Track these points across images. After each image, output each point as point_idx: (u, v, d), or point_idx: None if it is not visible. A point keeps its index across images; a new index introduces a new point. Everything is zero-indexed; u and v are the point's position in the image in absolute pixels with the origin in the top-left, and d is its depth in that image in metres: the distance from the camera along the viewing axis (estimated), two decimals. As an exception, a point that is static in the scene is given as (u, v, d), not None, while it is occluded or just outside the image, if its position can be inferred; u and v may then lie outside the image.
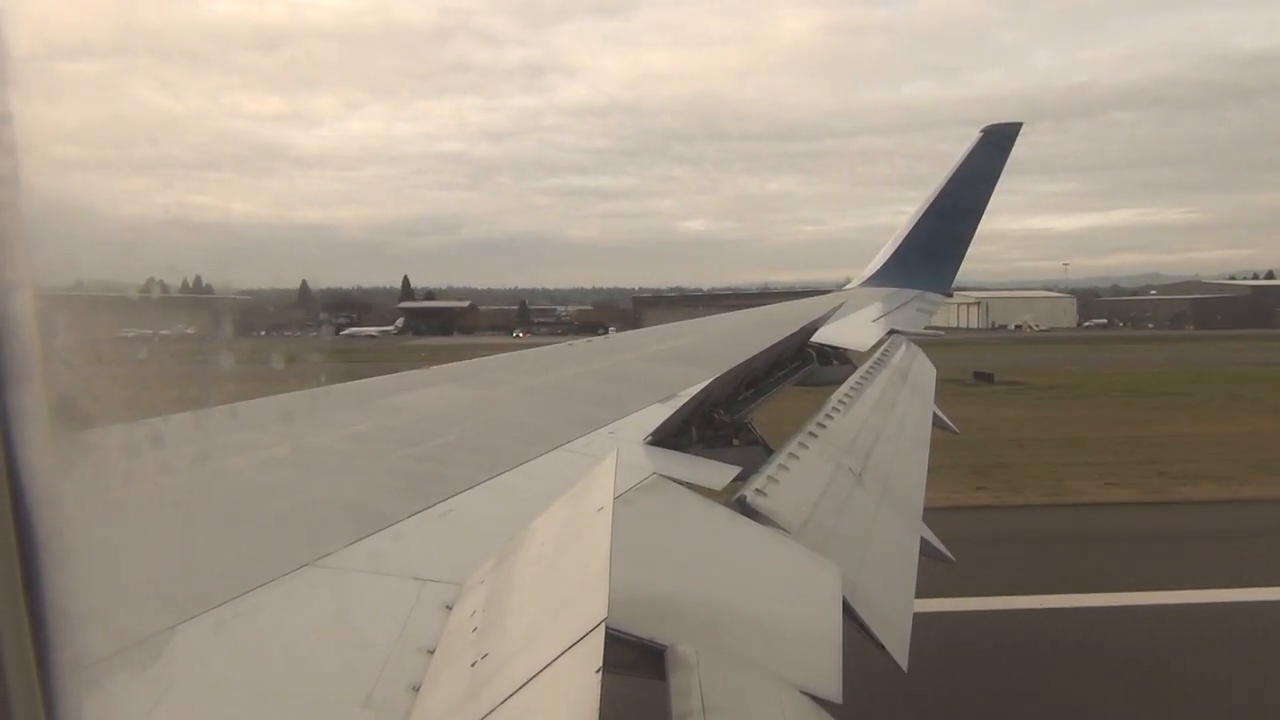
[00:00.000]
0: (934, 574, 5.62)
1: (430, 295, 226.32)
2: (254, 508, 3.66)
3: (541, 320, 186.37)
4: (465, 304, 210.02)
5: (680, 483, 4.44)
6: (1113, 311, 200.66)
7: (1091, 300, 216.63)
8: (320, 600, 2.86)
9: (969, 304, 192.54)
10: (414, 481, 4.18)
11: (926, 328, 17.81)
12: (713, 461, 5.39)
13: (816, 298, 22.48)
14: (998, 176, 22.07)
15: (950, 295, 21.88)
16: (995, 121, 22.32)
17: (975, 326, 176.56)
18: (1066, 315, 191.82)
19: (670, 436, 5.59)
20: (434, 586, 2.97)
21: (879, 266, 22.38)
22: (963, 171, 21.86)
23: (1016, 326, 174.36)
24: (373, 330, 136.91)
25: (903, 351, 12.76)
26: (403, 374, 7.52)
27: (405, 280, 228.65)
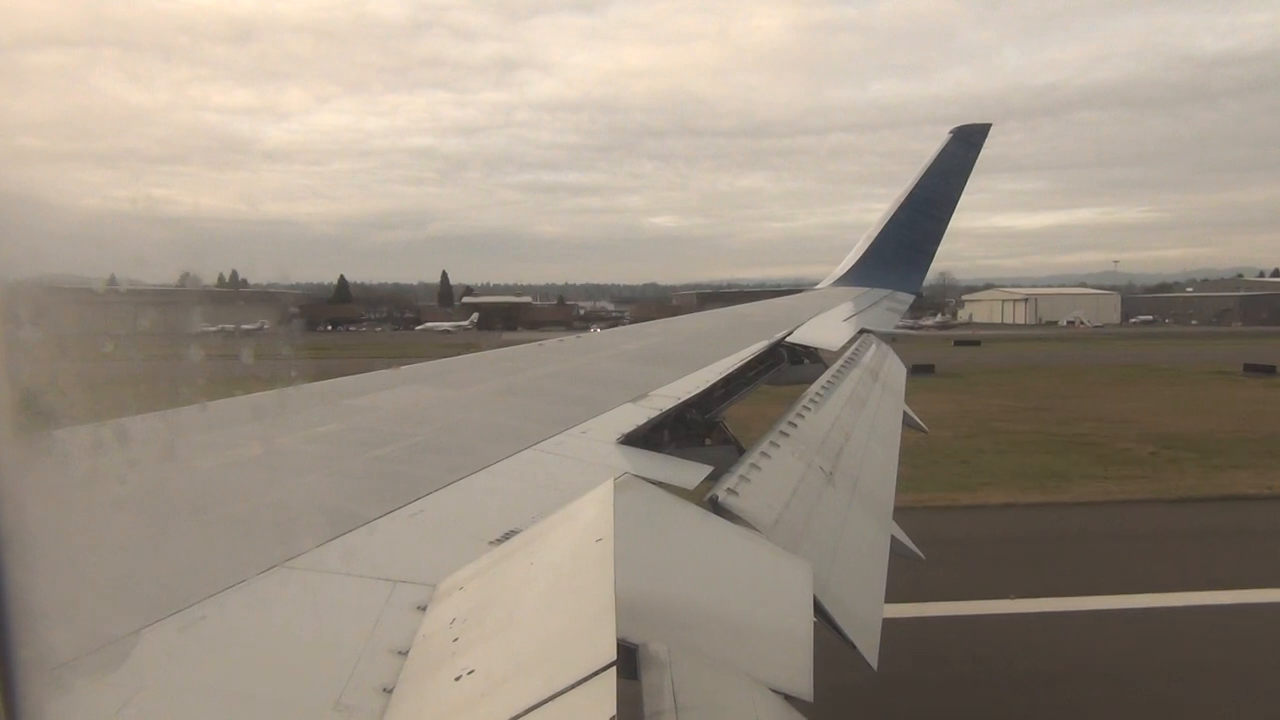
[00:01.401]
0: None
1: (469, 290, 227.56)
2: (223, 508, 3.63)
3: (588, 315, 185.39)
4: (525, 299, 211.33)
5: (652, 482, 4.44)
6: (1153, 308, 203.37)
7: (1132, 297, 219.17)
8: (290, 601, 2.84)
9: (1015, 300, 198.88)
10: (384, 482, 4.15)
11: (896, 327, 17.94)
12: (685, 461, 5.40)
13: (787, 298, 22.57)
14: (967, 177, 22.27)
15: (921, 294, 22.07)
16: (963, 120, 22.60)
17: (1023, 323, 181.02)
18: (1113, 311, 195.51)
19: (643, 437, 5.60)
20: (405, 587, 2.96)
21: (849, 266, 22.50)
22: (932, 172, 22.04)
23: (1069, 323, 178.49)
24: (448, 325, 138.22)
25: (873, 351, 12.85)
26: (372, 374, 7.46)
27: (444, 276, 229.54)
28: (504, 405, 6.63)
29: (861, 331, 14.22)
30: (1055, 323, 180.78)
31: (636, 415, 6.01)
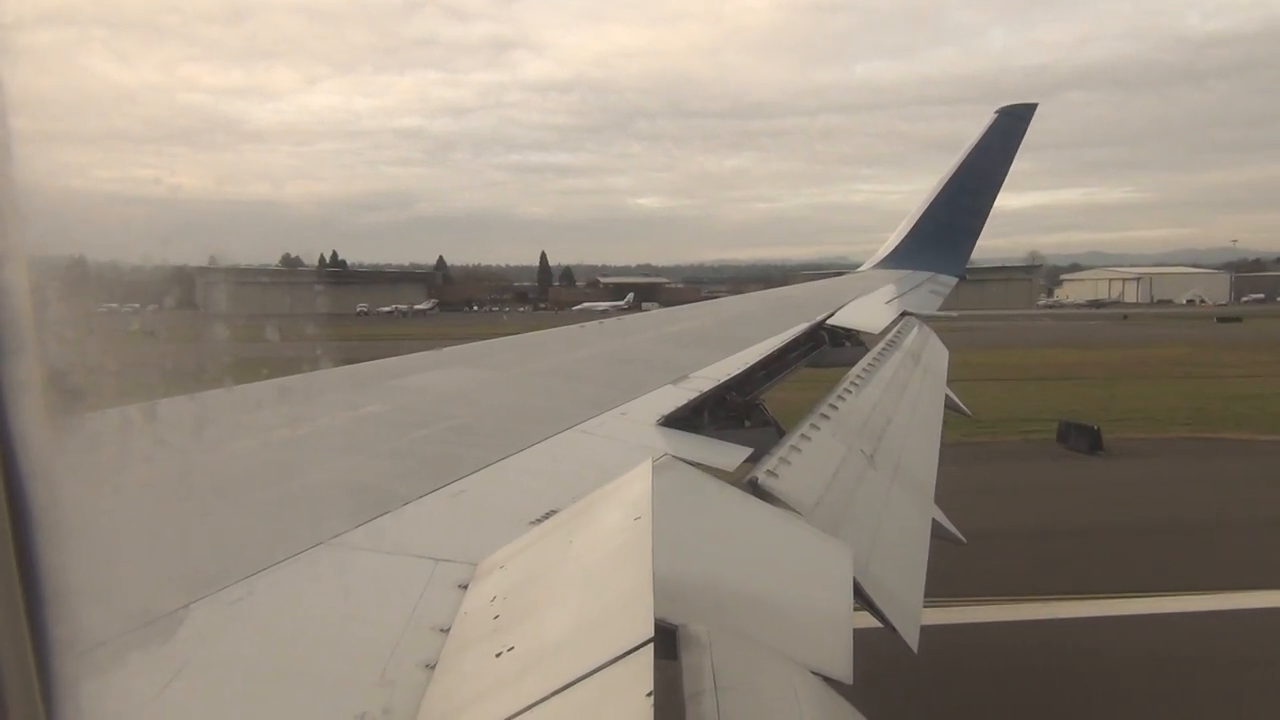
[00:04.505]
0: None
1: (568, 272, 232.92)
2: (268, 487, 3.68)
3: (709, 295, 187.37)
4: (662, 280, 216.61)
5: (692, 464, 4.44)
6: (1257, 286, 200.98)
7: (1240, 276, 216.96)
8: (334, 579, 2.88)
9: (1127, 279, 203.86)
10: (426, 462, 4.19)
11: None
12: (724, 443, 5.39)
13: (828, 280, 22.39)
14: (1012, 157, 21.88)
15: (964, 277, 21.74)
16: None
17: (1135, 301, 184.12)
18: (1224, 290, 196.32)
19: (682, 418, 5.60)
20: (447, 566, 2.98)
21: (891, 248, 22.26)
22: (976, 153, 21.68)
23: (1188, 301, 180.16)
24: (605, 305, 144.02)
25: (915, 334, 12.72)
26: (414, 355, 7.53)
27: (543, 257, 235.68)
28: (545, 387, 6.66)
29: (903, 314, 14.07)
30: (1170, 301, 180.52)
31: (676, 397, 6.01)
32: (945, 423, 8.58)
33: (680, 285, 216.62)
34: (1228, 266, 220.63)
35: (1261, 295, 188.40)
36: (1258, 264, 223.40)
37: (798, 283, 29.41)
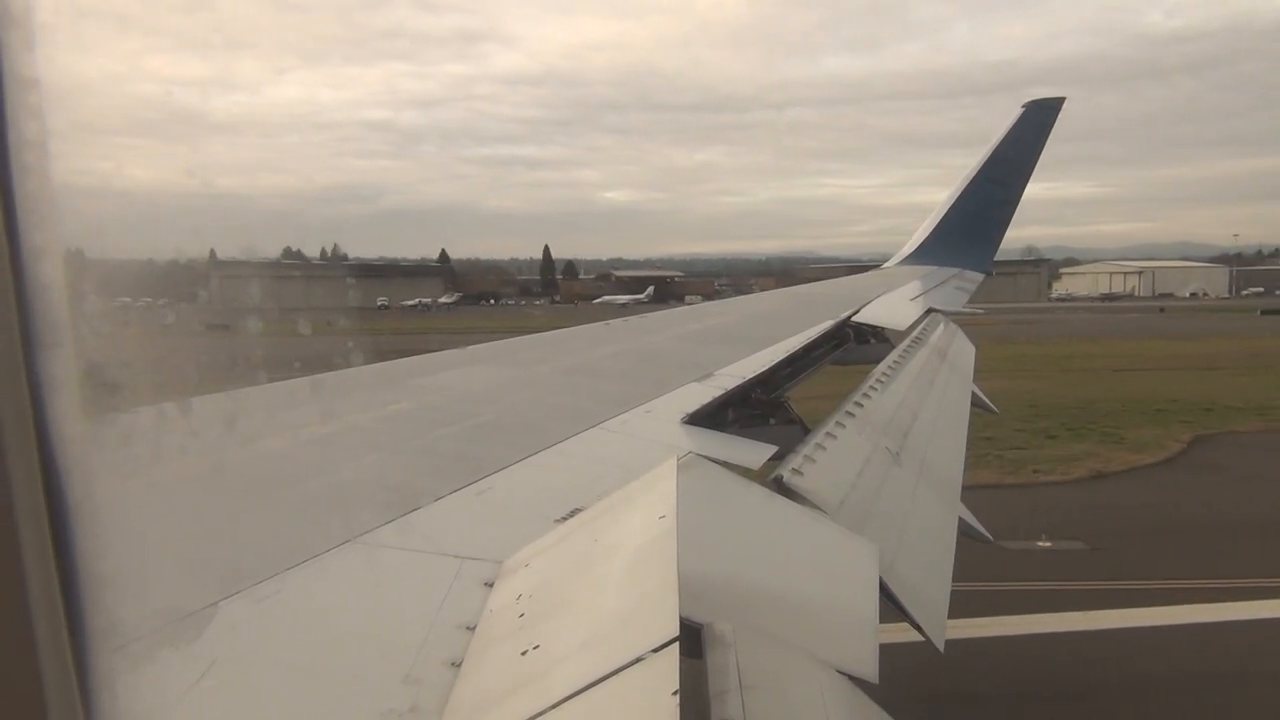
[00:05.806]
0: None
1: (570, 266, 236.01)
2: (295, 485, 3.71)
3: (723, 288, 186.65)
4: (675, 274, 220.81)
5: (717, 462, 4.43)
6: (1254, 279, 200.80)
7: (1241, 270, 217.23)
8: (360, 576, 2.89)
9: (1128, 273, 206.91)
10: (452, 460, 4.21)
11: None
12: (749, 440, 5.38)
13: (853, 277, 22.26)
14: (1039, 152, 21.64)
15: (990, 273, 21.54)
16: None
17: (1139, 295, 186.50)
18: (1223, 284, 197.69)
19: (707, 416, 5.60)
20: (473, 564, 3.00)
21: (917, 244, 22.09)
22: (1003, 148, 21.46)
23: (1191, 294, 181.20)
24: (625, 299, 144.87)
25: (941, 330, 12.62)
26: (439, 354, 7.56)
27: (546, 250, 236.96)
28: (569, 385, 6.67)
29: (929, 311, 13.97)
30: (1172, 294, 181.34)
31: (701, 394, 6.00)
32: (1239, 409, 8.33)
33: (683, 277, 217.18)
34: (1220, 259, 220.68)
35: (1261, 289, 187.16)
36: (1239, 258, 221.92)
37: (820, 279, 29.38)
